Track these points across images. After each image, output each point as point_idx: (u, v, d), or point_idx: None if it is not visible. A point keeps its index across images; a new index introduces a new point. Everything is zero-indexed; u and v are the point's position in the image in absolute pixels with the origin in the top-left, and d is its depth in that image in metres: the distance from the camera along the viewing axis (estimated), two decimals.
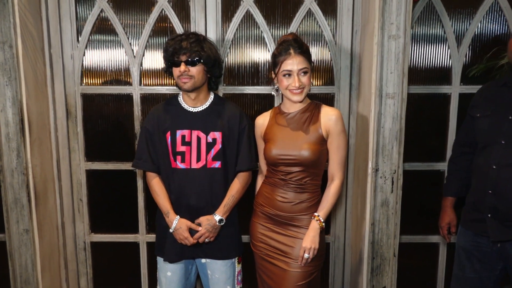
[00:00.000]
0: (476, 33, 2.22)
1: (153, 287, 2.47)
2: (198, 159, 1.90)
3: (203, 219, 1.89)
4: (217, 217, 1.89)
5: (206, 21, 2.24)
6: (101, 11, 2.25)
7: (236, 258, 2.02)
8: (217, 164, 1.91)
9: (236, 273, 2.02)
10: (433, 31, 2.24)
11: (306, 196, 1.81)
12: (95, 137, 2.38)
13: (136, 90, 2.31)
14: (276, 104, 2.29)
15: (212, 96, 1.98)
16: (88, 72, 2.33)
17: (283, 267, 1.80)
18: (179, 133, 1.90)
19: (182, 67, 1.82)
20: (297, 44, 1.75)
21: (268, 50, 2.27)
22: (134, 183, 2.38)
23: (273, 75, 1.83)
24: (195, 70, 1.84)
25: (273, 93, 2.25)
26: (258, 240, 1.91)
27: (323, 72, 2.31)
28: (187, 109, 1.94)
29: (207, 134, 1.90)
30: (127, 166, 2.34)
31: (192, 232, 1.89)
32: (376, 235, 2.07)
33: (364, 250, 2.10)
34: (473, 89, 2.17)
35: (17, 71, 2.03)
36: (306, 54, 1.76)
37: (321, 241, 1.80)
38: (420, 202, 2.24)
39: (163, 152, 1.93)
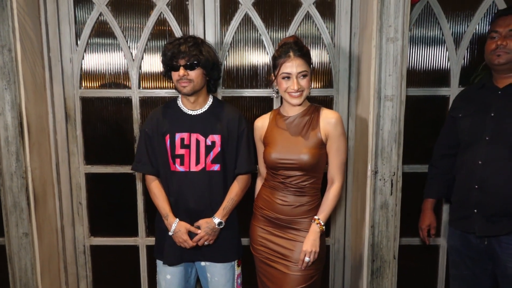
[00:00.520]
0: (474, 35, 2.23)
1: None
2: (197, 162, 1.90)
3: (202, 222, 1.89)
4: (216, 220, 1.89)
5: (205, 24, 2.24)
6: (100, 14, 2.26)
7: (236, 261, 2.02)
8: (216, 167, 1.91)
9: (236, 276, 2.02)
10: (431, 33, 2.25)
11: (306, 199, 1.81)
12: (94, 140, 2.38)
13: (135, 93, 2.31)
14: (275, 107, 2.29)
15: (211, 99, 1.98)
16: (87, 76, 2.33)
17: (283, 270, 1.80)
18: (178, 136, 1.90)
19: (181, 71, 1.82)
20: (297, 47, 1.74)
21: (267, 53, 2.27)
22: (134, 186, 2.38)
23: (273, 77, 1.83)
24: (194, 74, 1.84)
25: (273, 95, 2.25)
26: (258, 243, 1.90)
27: (322, 75, 2.31)
28: (186, 112, 1.94)
29: (206, 137, 1.90)
30: (126, 169, 2.34)
31: (191, 235, 1.89)
32: (376, 238, 2.06)
33: (364, 253, 2.10)
34: None
35: (16, 74, 2.03)
36: (306, 57, 1.76)
37: (322, 244, 1.79)
38: (420, 204, 2.23)
39: (162, 155, 1.93)
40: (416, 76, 2.28)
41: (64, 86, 2.31)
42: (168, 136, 1.91)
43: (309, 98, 2.24)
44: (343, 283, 2.46)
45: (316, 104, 1.88)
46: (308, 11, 2.23)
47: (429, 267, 2.43)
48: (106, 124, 2.38)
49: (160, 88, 2.33)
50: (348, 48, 2.24)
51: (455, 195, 1.95)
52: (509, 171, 1.73)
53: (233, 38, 2.28)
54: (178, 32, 2.25)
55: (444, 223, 2.33)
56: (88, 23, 2.26)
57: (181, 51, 1.81)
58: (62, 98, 2.31)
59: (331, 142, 1.78)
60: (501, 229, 1.76)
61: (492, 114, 1.79)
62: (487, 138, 1.79)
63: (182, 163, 1.90)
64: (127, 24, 2.29)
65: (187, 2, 2.24)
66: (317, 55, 2.29)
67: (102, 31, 2.30)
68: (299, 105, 1.80)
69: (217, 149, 1.90)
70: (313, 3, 2.22)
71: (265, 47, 2.27)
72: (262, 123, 1.95)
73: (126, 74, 2.33)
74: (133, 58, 2.30)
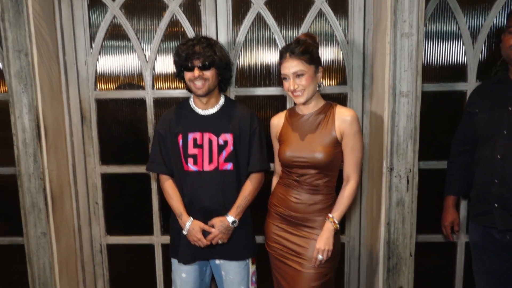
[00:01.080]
0: (492, 28, 2.18)
1: None
2: (210, 161, 1.91)
3: (216, 221, 1.90)
4: (230, 218, 1.89)
5: (217, 25, 2.25)
6: (114, 17, 2.28)
7: (250, 259, 2.02)
8: (229, 166, 1.91)
9: (251, 274, 2.02)
10: (447, 27, 2.21)
11: (320, 197, 1.80)
12: (110, 141, 2.41)
13: (149, 94, 2.33)
14: (288, 105, 2.28)
15: (223, 99, 1.99)
16: (101, 78, 2.36)
17: (297, 268, 1.79)
18: (190, 136, 1.91)
19: (196, 72, 1.83)
20: (296, 47, 1.73)
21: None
22: (149, 186, 2.40)
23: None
24: (209, 74, 1.85)
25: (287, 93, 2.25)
26: (273, 240, 1.91)
27: (336, 72, 2.29)
28: (198, 112, 1.95)
29: (218, 136, 1.91)
30: (141, 169, 2.36)
31: (205, 233, 1.90)
32: (392, 235, 2.04)
33: (380, 250, 2.08)
34: None
35: (33, 78, 2.07)
36: (304, 55, 1.72)
37: (336, 242, 1.78)
38: (437, 201, 2.20)
39: (175, 155, 1.94)
40: (432, 72, 2.24)
41: (79, 88, 2.34)
42: (180, 136, 1.92)
43: (324, 95, 2.24)
44: (358, 280, 2.44)
45: (331, 101, 1.87)
46: (320, 9, 2.22)
47: (446, 265, 2.39)
48: (121, 125, 2.41)
49: (174, 88, 2.35)
50: (361, 44, 2.22)
51: (474, 190, 1.93)
52: None
53: (245, 38, 2.27)
54: (190, 33, 2.26)
55: (461, 219, 2.29)
56: (102, 26, 2.29)
57: (196, 51, 1.82)
58: (77, 100, 2.35)
59: (346, 140, 1.76)
60: None
61: (510, 108, 1.78)
62: (505, 132, 1.77)
63: (195, 163, 1.91)
64: (140, 26, 2.31)
65: (199, 3, 2.25)
66: (330, 53, 2.27)
67: (116, 33, 2.32)
68: (303, 103, 1.80)
69: (230, 148, 1.91)
70: (326, 1, 2.21)
71: (277, 46, 2.27)
72: (278, 121, 1.95)
73: (140, 76, 2.35)
74: (147, 59, 2.32)
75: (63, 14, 2.27)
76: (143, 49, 2.31)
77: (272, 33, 2.26)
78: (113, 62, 2.35)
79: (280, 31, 2.25)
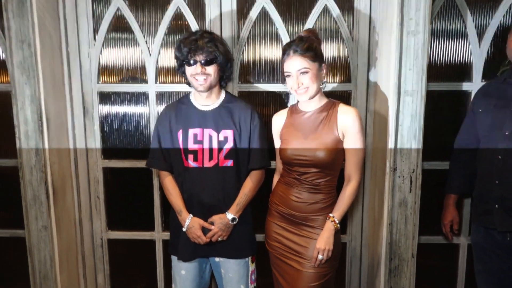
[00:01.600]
0: (498, 27, 2.15)
1: (169, 284, 2.49)
2: (210, 158, 1.89)
3: (216, 218, 1.89)
4: (229, 215, 1.88)
5: (222, 19, 2.23)
6: (117, 9, 2.26)
7: (250, 257, 2.01)
8: (229, 163, 1.90)
9: (250, 272, 2.01)
10: (454, 26, 2.18)
11: (320, 196, 1.78)
12: (112, 134, 2.40)
13: (152, 88, 2.32)
14: (291, 102, 2.26)
15: (223, 95, 1.97)
16: (104, 70, 2.35)
17: (297, 267, 1.78)
18: (191, 132, 1.90)
19: (199, 67, 1.81)
20: (299, 44, 1.71)
21: None
22: (150, 181, 2.39)
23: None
24: (211, 70, 1.83)
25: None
26: (273, 239, 1.90)
27: (340, 69, 2.27)
28: (199, 108, 1.94)
29: (218, 133, 1.89)
30: (143, 163, 2.32)
31: (205, 230, 1.89)
32: (394, 236, 2.03)
33: (381, 251, 2.07)
34: None
35: (36, 69, 2.06)
36: (308, 53, 1.70)
37: (336, 242, 1.77)
38: (440, 202, 2.18)
39: (175, 151, 1.93)
40: (437, 71, 2.22)
41: (82, 80, 2.33)
42: (180, 132, 1.91)
43: (327, 93, 2.22)
44: (359, 281, 2.43)
45: (334, 99, 1.85)
46: (326, 4, 2.19)
47: (449, 266, 2.37)
48: (123, 118, 2.40)
49: (177, 82, 2.33)
50: (367, 42, 2.20)
51: (476, 190, 1.93)
52: None
53: (250, 33, 2.25)
54: (194, 27, 2.24)
55: (464, 221, 2.27)
56: (105, 18, 2.27)
57: (199, 46, 1.80)
58: (80, 92, 2.34)
59: (348, 139, 1.74)
60: None
61: None
62: (506, 133, 1.77)
63: (195, 159, 1.90)
64: (144, 19, 2.29)
65: None
66: (335, 49, 2.25)
67: (119, 26, 2.30)
68: (306, 101, 1.78)
69: (230, 144, 1.89)
70: None
71: (282, 41, 2.24)
72: (279, 118, 1.94)
73: (143, 69, 2.33)
74: (150, 52, 2.30)
75: (66, 5, 2.25)
76: (146, 42, 2.30)
77: (277, 29, 2.24)
78: (116, 55, 2.33)
79: (285, 27, 2.23)
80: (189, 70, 1.85)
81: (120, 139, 2.41)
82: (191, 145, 1.90)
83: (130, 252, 2.53)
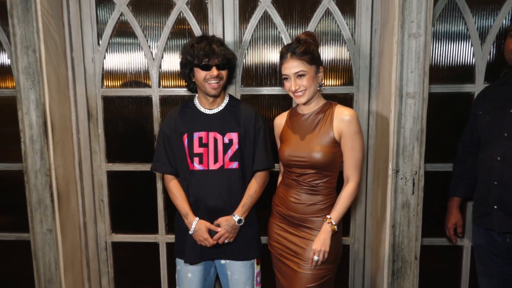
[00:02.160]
0: (500, 29, 2.15)
1: (173, 287, 2.49)
2: (216, 160, 1.91)
3: (222, 220, 1.90)
4: (236, 217, 1.89)
5: (224, 23, 2.24)
6: (121, 14, 2.29)
7: (255, 259, 2.02)
8: (234, 165, 1.91)
9: (255, 274, 2.02)
10: (456, 28, 2.19)
11: (319, 198, 1.79)
12: (116, 138, 2.42)
13: (155, 92, 2.34)
14: (294, 105, 2.27)
15: (227, 98, 2.00)
16: (108, 75, 2.37)
17: (294, 268, 1.79)
18: (196, 135, 1.92)
19: (214, 71, 1.84)
20: (296, 47, 1.72)
21: None
22: (154, 184, 2.41)
23: None
24: (224, 74, 1.88)
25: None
26: (274, 239, 1.91)
27: (342, 72, 2.28)
28: (203, 111, 1.95)
29: (223, 135, 1.91)
30: (147, 167, 2.36)
31: (211, 233, 1.90)
32: (397, 238, 2.03)
33: (384, 253, 2.07)
34: None
35: (40, 74, 2.08)
36: (305, 56, 1.71)
37: (336, 244, 1.78)
38: (443, 204, 2.18)
39: (180, 154, 1.94)
40: (439, 73, 2.22)
41: (86, 85, 2.35)
42: (186, 135, 1.93)
43: (329, 96, 2.23)
44: (363, 283, 2.43)
45: (331, 101, 1.86)
46: (328, 8, 2.20)
47: (452, 269, 2.37)
48: (127, 122, 2.41)
49: (180, 86, 2.35)
50: (368, 44, 2.21)
51: (476, 192, 1.94)
52: None
53: (252, 36, 2.27)
54: (197, 31, 2.26)
55: (467, 223, 2.27)
56: (109, 23, 2.30)
57: (215, 51, 1.84)
58: (84, 97, 2.36)
59: (345, 140, 1.74)
60: None
61: (511, 111, 1.79)
62: (505, 134, 1.79)
63: (201, 162, 1.91)
64: (147, 24, 2.31)
65: (206, 1, 2.25)
66: (337, 52, 2.26)
67: (123, 30, 2.33)
68: (304, 103, 1.80)
69: (235, 146, 1.91)
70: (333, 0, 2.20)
71: (284, 45, 2.25)
72: (280, 120, 1.96)
73: (146, 73, 2.35)
74: (153, 57, 2.32)
75: (71, 11, 2.28)
76: (150, 47, 2.32)
77: (279, 32, 2.25)
78: (120, 60, 2.35)
79: (287, 30, 2.24)
80: (202, 74, 1.86)
81: (124, 143, 2.43)
82: (197, 148, 1.91)
83: (134, 255, 2.54)
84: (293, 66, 1.72)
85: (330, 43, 2.25)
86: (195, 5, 2.26)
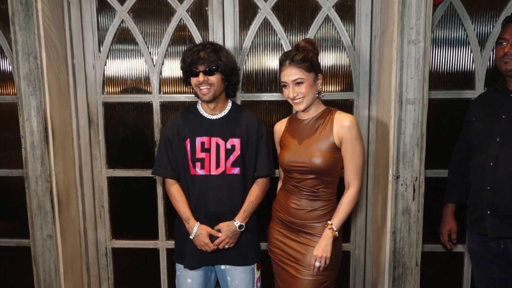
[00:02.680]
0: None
1: None
2: (218, 166, 1.91)
3: (223, 225, 1.90)
4: (237, 223, 1.89)
5: (224, 29, 2.26)
6: (122, 21, 2.30)
7: (255, 264, 2.01)
8: (236, 171, 1.92)
9: (256, 279, 2.01)
10: (455, 34, 2.19)
11: (319, 204, 1.79)
12: (116, 144, 2.43)
13: (155, 98, 2.34)
14: (294, 111, 2.27)
15: (230, 104, 2.00)
16: (109, 81, 2.38)
17: (294, 274, 1.79)
18: (198, 140, 1.92)
19: (201, 77, 1.84)
20: (295, 55, 1.73)
21: None
22: (154, 190, 2.41)
23: None
24: (214, 79, 1.86)
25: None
26: (274, 245, 1.91)
27: (342, 78, 2.28)
28: (206, 116, 1.96)
29: (226, 141, 1.92)
30: (147, 173, 2.37)
31: (212, 238, 1.90)
32: (397, 244, 2.02)
33: (385, 259, 2.06)
34: None
35: (42, 81, 2.09)
36: (303, 63, 1.72)
37: (336, 250, 1.78)
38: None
39: (182, 159, 1.95)
40: (439, 79, 2.22)
41: (87, 91, 2.36)
42: (188, 140, 1.93)
43: (329, 102, 2.24)
44: None
45: (331, 107, 1.86)
46: (327, 14, 2.21)
47: (453, 275, 2.36)
48: (127, 128, 2.42)
49: (180, 93, 2.35)
50: (368, 51, 2.21)
51: (470, 198, 1.95)
52: None
53: (252, 43, 2.28)
54: (198, 38, 2.27)
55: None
56: (110, 30, 2.31)
57: (200, 57, 1.84)
58: (85, 103, 2.37)
59: (345, 146, 1.74)
60: None
61: (503, 116, 1.81)
62: (497, 139, 1.80)
63: (202, 167, 1.91)
64: (148, 30, 2.32)
65: (206, 8, 2.26)
66: (336, 58, 2.26)
67: (123, 37, 2.34)
68: (303, 110, 1.81)
69: (237, 152, 1.91)
70: (333, 6, 2.20)
71: (284, 51, 2.26)
72: (280, 126, 1.97)
73: (147, 80, 2.36)
74: (154, 63, 2.33)
75: (72, 18, 2.30)
76: (150, 53, 2.33)
77: (279, 39, 2.26)
78: (121, 66, 2.37)
79: (287, 37, 2.25)
80: (193, 80, 1.89)
81: (124, 149, 2.43)
82: (199, 153, 1.92)
83: (134, 261, 2.54)
84: (291, 74, 1.73)
85: (330, 49, 2.25)
86: (195, 12, 2.28)
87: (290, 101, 1.79)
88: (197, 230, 1.89)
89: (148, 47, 2.32)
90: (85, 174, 2.43)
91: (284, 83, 1.77)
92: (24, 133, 2.13)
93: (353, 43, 2.23)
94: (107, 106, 2.39)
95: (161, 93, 2.35)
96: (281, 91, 1.84)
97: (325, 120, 1.79)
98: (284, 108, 2.31)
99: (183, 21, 2.28)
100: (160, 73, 2.34)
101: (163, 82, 2.36)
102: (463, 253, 2.31)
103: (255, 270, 2.02)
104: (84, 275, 2.49)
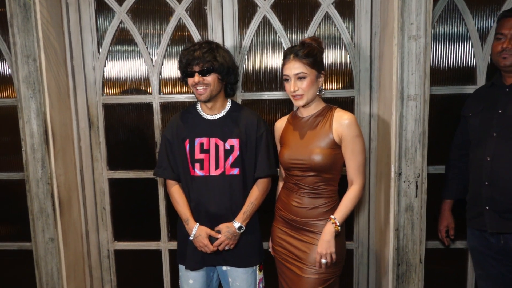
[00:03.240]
0: None
1: None
2: (217, 167, 1.90)
3: (222, 227, 1.88)
4: (236, 224, 1.88)
5: (223, 29, 2.25)
6: (121, 22, 2.29)
7: (258, 266, 2.00)
8: (235, 171, 1.90)
9: (258, 280, 2.00)
10: (456, 29, 2.18)
11: (321, 201, 1.78)
12: (117, 146, 2.42)
13: (155, 99, 2.34)
14: (295, 108, 2.27)
15: (229, 104, 1.99)
16: (109, 83, 2.37)
17: (298, 273, 1.78)
18: (197, 141, 1.91)
19: (196, 77, 1.84)
20: (300, 49, 1.73)
21: None
22: (156, 191, 2.40)
23: None
24: (210, 79, 1.85)
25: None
26: (277, 244, 1.90)
27: (342, 75, 2.27)
28: (205, 117, 1.95)
29: (225, 141, 1.90)
30: (148, 174, 2.36)
31: (212, 239, 1.89)
32: (401, 241, 2.01)
33: (389, 257, 2.05)
34: None
35: (41, 83, 2.08)
36: (307, 58, 1.72)
37: (340, 248, 1.77)
38: None
39: (182, 160, 1.94)
40: (440, 74, 2.21)
41: (87, 93, 2.35)
42: (187, 141, 1.92)
43: (330, 99, 2.23)
44: (367, 287, 2.40)
45: (331, 105, 1.85)
46: (327, 12, 2.20)
47: (457, 271, 2.35)
48: (128, 129, 2.41)
49: (180, 93, 2.35)
50: (368, 47, 2.20)
51: (469, 193, 1.95)
52: None
53: (251, 41, 2.27)
54: (197, 37, 2.26)
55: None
56: (109, 31, 2.30)
57: (195, 57, 1.83)
58: (85, 105, 2.36)
59: (345, 144, 1.74)
60: None
61: (500, 111, 1.81)
62: (494, 134, 1.80)
63: (201, 168, 1.90)
64: (147, 31, 2.32)
65: (205, 7, 2.25)
66: (337, 56, 2.25)
67: (123, 38, 2.33)
68: (303, 106, 1.80)
69: (236, 153, 1.90)
70: (332, 3, 2.19)
71: (284, 49, 2.25)
72: (280, 124, 1.96)
73: (146, 80, 2.35)
74: (153, 64, 2.32)
75: (70, 19, 2.29)
76: (149, 54, 2.32)
77: (279, 37, 2.25)
78: (120, 67, 2.36)
79: (287, 35, 2.24)
80: (189, 81, 1.89)
81: (125, 150, 2.43)
82: (198, 154, 1.91)
83: (136, 263, 2.53)
84: (294, 67, 1.72)
85: (330, 46, 2.24)
86: (194, 11, 2.27)
87: (290, 97, 1.79)
88: (196, 231, 1.88)
89: (147, 48, 2.31)
90: (86, 176, 2.42)
91: (286, 76, 1.76)
92: (24, 136, 2.12)
93: (353, 40, 2.22)
94: (107, 107, 2.38)
95: (161, 93, 2.35)
96: (282, 89, 1.84)
97: (324, 117, 1.79)
98: (285, 107, 2.30)
99: (182, 20, 2.27)
100: (160, 73, 2.33)
101: (163, 82, 2.35)
102: (467, 249, 2.29)
103: (257, 271, 2.00)
104: (87, 277, 2.48)
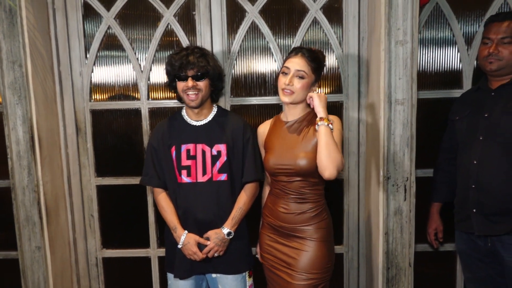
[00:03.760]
0: None
1: None
2: (204, 173, 1.89)
3: (211, 233, 1.87)
4: (225, 230, 1.87)
5: (212, 34, 2.24)
6: (108, 27, 2.28)
7: (247, 272, 1.98)
8: (223, 177, 1.89)
9: (248, 287, 1.98)
10: (442, 34, 2.21)
11: (308, 206, 1.77)
12: (105, 152, 2.39)
13: (144, 105, 2.32)
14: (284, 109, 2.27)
15: (215, 109, 1.98)
16: (96, 88, 2.35)
17: (287, 279, 1.77)
18: (183, 147, 1.90)
19: (190, 82, 1.82)
20: (309, 52, 1.75)
21: (275, 60, 2.26)
22: (145, 198, 2.38)
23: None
24: (202, 85, 1.84)
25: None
26: (265, 251, 1.89)
27: (331, 80, 2.29)
28: (191, 123, 1.94)
29: (211, 147, 1.89)
30: (137, 180, 2.32)
31: (201, 246, 1.87)
32: (390, 245, 2.02)
33: (378, 260, 2.05)
34: None
35: (27, 89, 2.05)
36: (313, 62, 1.74)
37: (328, 252, 1.77)
38: None
39: (168, 167, 1.92)
40: (427, 79, 2.24)
41: (74, 99, 2.33)
42: (173, 148, 1.91)
43: None
44: None
45: None
46: (315, 17, 2.22)
47: (446, 274, 2.36)
48: (116, 136, 2.39)
49: (169, 98, 2.33)
50: (356, 52, 2.22)
51: (456, 197, 1.97)
52: (503, 168, 1.76)
53: (240, 47, 2.27)
54: (185, 42, 2.26)
55: None
56: (96, 36, 2.28)
57: (190, 61, 1.82)
58: (72, 111, 2.33)
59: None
60: (500, 229, 1.76)
61: (486, 115, 1.83)
62: (481, 138, 1.82)
63: (189, 174, 1.89)
64: (135, 36, 2.30)
65: (193, 12, 2.25)
66: (325, 61, 2.26)
67: (110, 43, 2.31)
68: (289, 103, 1.78)
69: (223, 158, 1.89)
70: (320, 9, 2.21)
71: (272, 54, 2.26)
72: (263, 129, 1.95)
73: (135, 86, 2.34)
74: (142, 69, 2.31)
75: (57, 25, 2.27)
76: (138, 59, 2.30)
77: (267, 42, 2.26)
78: (108, 73, 2.34)
79: (275, 40, 2.25)
80: (180, 85, 1.86)
81: (113, 157, 2.40)
82: (184, 161, 1.89)
83: (125, 271, 2.49)
84: (298, 63, 1.73)
85: None
86: (182, 16, 2.26)
87: (281, 91, 1.77)
88: (184, 239, 1.86)
89: (135, 53, 2.30)
90: (74, 183, 2.39)
91: (286, 68, 1.75)
92: (10, 143, 2.09)
93: (341, 45, 2.23)
94: (95, 113, 2.35)
95: (150, 99, 2.33)
96: (273, 94, 1.81)
97: (309, 122, 1.79)
98: (274, 111, 2.30)
99: (170, 26, 2.27)
100: (148, 79, 2.31)
101: (151, 88, 2.33)
102: (456, 251, 2.31)
103: (247, 278, 1.99)
104: (75, 286, 2.44)
